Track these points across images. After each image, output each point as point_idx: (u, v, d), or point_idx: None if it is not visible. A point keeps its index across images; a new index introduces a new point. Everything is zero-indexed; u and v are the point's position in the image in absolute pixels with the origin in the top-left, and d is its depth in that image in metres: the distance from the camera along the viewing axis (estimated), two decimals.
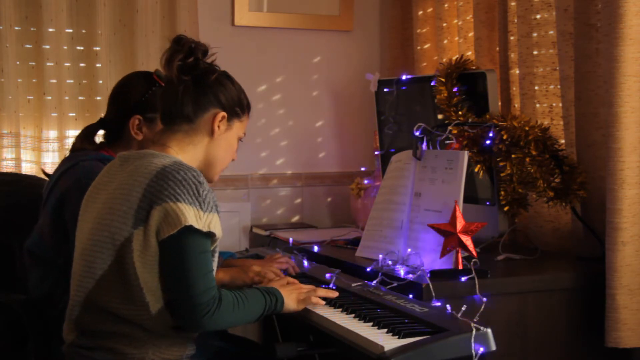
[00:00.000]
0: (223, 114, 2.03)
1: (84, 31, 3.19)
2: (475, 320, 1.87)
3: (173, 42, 2.01)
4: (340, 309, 2.10)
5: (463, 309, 1.92)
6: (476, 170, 2.60)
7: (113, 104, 2.41)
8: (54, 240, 2.27)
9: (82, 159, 2.30)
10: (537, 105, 2.73)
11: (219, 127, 2.03)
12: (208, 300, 1.84)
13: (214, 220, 1.87)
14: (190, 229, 1.83)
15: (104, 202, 1.94)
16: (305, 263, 2.61)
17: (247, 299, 1.96)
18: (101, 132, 2.45)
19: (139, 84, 2.38)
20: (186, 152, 2.02)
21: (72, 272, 1.99)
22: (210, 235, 1.88)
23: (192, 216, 1.82)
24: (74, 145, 2.41)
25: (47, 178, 2.43)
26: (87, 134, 2.42)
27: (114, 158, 2.12)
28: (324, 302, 2.13)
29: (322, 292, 2.15)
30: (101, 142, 2.43)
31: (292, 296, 2.08)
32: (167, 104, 2.03)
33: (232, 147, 2.09)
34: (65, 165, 2.33)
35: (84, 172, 2.23)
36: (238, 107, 2.07)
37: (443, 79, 2.71)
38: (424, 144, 2.50)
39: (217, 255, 1.95)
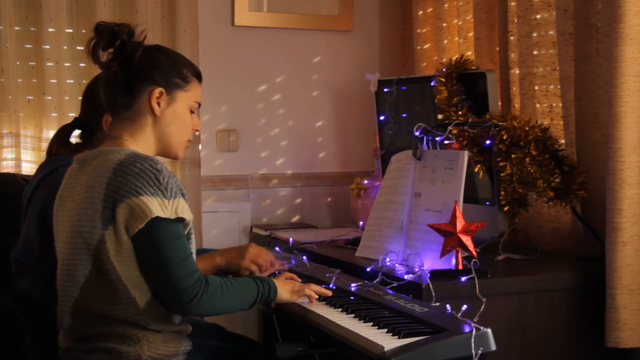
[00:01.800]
0: (159, 89, 1.93)
1: (84, 31, 3.19)
2: (475, 320, 1.87)
3: (94, 31, 1.91)
4: (340, 309, 2.10)
5: (463, 309, 1.92)
6: (476, 170, 2.60)
7: (87, 102, 2.38)
8: (41, 249, 2.22)
9: (60, 164, 2.25)
10: (537, 105, 2.72)
11: (158, 104, 1.93)
12: (193, 284, 1.83)
13: (180, 205, 1.83)
14: (158, 220, 1.80)
15: (72, 209, 1.92)
16: (307, 263, 2.61)
17: (236, 283, 1.95)
18: (77, 132, 2.41)
19: None
20: (138, 138, 1.96)
21: (57, 283, 1.97)
22: (180, 220, 1.85)
23: (156, 207, 1.80)
24: (50, 149, 2.37)
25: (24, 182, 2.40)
26: (63, 135, 2.39)
27: None
28: (317, 297, 2.14)
29: (316, 287, 2.16)
30: (77, 144, 2.40)
31: (286, 287, 2.08)
32: (105, 95, 1.97)
33: (184, 120, 1.98)
34: (44, 171, 2.29)
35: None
36: (176, 77, 1.96)
37: (443, 79, 2.71)
38: (424, 144, 2.50)
39: (193, 238, 1.93)
